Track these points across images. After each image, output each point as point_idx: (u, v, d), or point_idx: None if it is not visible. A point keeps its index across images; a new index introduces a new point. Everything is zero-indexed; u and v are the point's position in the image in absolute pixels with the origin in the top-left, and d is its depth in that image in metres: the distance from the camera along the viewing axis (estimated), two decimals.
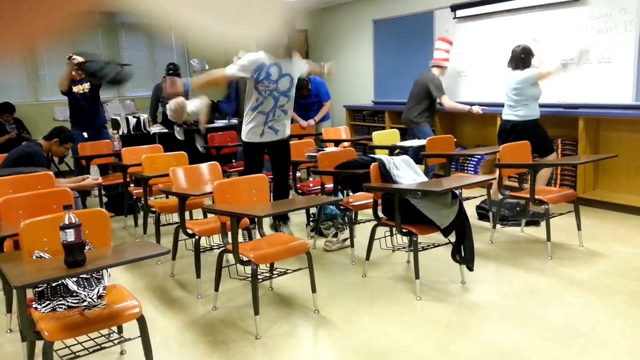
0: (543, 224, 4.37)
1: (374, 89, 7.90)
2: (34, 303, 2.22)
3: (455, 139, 5.16)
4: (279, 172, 4.28)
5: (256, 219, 3.25)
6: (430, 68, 5.98)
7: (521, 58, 4.73)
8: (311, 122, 6.38)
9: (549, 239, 3.80)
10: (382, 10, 7.59)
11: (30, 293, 2.27)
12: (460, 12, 6.39)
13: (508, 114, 4.89)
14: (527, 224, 4.52)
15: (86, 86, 5.60)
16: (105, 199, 5.49)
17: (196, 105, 5.12)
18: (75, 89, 5.56)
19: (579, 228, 4.01)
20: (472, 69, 6.39)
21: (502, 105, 5.11)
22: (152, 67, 8.65)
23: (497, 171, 4.29)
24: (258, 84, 3.92)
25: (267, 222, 4.32)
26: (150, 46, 8.62)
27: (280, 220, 4.33)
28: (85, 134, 5.64)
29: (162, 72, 8.66)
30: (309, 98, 6.46)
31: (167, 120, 7.66)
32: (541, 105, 4.89)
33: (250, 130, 4.07)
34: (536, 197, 3.84)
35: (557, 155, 5.25)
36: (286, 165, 4.29)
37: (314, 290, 3.07)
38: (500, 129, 5.03)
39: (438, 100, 5.85)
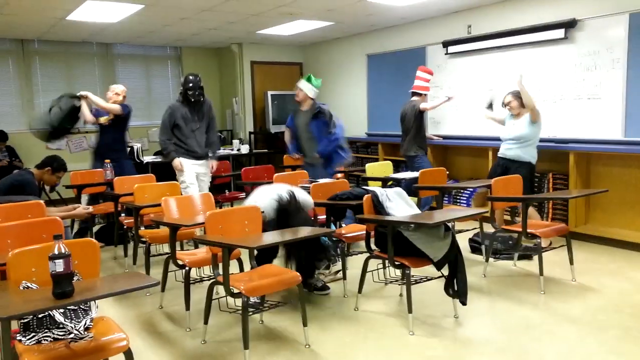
0: (535, 257, 4.36)
1: (368, 121, 7.99)
2: (18, 335, 2.17)
3: (447, 172, 5.19)
4: None
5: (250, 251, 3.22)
6: (411, 97, 6.08)
7: None
8: None
9: (541, 273, 3.79)
10: (376, 45, 7.74)
11: (15, 324, 2.22)
12: (452, 48, 6.52)
13: None
14: (520, 257, 4.51)
15: (110, 117, 5.55)
16: (95, 228, 5.44)
17: None
18: (101, 120, 5.54)
19: (571, 262, 4.01)
20: (464, 103, 6.49)
21: (494, 139, 5.18)
22: (148, 96, 8.72)
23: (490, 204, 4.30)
24: None
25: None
26: (146, 76, 8.71)
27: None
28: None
29: (156, 101, 8.74)
30: None
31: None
32: None
33: None
34: (528, 230, 3.85)
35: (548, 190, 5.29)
36: None
37: (305, 324, 3.03)
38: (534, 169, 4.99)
39: (423, 107, 5.94)
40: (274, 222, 3.50)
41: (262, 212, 3.38)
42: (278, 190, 3.63)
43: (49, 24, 6.57)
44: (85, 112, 5.45)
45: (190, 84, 4.99)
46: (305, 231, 3.08)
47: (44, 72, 7.96)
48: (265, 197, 3.59)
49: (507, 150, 4.93)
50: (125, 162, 5.75)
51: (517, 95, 4.81)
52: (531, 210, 4.75)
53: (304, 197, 3.73)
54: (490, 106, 5.39)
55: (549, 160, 5.45)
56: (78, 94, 5.39)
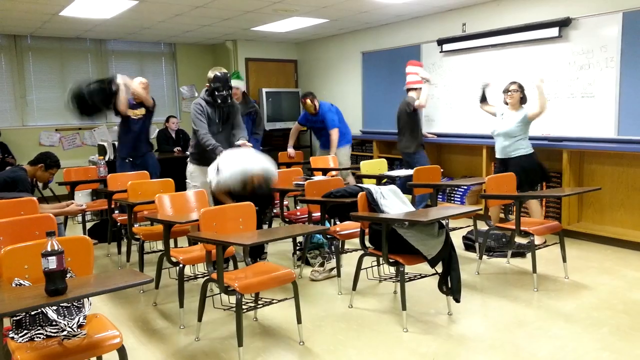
0: (529, 255, 4.38)
1: (362, 118, 7.99)
2: (10, 332, 2.16)
3: (442, 169, 5.20)
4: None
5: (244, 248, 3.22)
6: (406, 94, 6.11)
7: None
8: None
9: (534, 270, 3.81)
10: (370, 43, 7.73)
11: (7, 322, 2.21)
12: (447, 46, 6.53)
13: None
14: (513, 255, 4.53)
15: (142, 111, 5.44)
16: (88, 226, 5.42)
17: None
18: (130, 113, 5.38)
19: (564, 260, 4.03)
20: (458, 101, 6.50)
21: (489, 137, 5.20)
22: None
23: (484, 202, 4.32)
24: None
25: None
26: (140, 73, 8.66)
27: (257, 258, 4.17)
28: (130, 159, 5.45)
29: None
30: (317, 123, 6.63)
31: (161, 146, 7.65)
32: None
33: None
34: (522, 228, 3.87)
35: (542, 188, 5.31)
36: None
37: (299, 321, 3.03)
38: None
39: (418, 104, 5.93)
40: (237, 192, 3.61)
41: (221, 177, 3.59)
42: (247, 163, 3.66)
43: (42, 20, 6.52)
44: (122, 100, 5.23)
45: (219, 83, 4.48)
46: (299, 229, 3.08)
47: (37, 68, 7.90)
48: (233, 166, 3.65)
49: (501, 149, 4.95)
50: (149, 156, 5.67)
51: (522, 89, 4.84)
52: (534, 204, 4.81)
53: (272, 175, 3.78)
54: (483, 98, 5.38)
55: (542, 158, 5.46)
56: (117, 80, 5.23)
